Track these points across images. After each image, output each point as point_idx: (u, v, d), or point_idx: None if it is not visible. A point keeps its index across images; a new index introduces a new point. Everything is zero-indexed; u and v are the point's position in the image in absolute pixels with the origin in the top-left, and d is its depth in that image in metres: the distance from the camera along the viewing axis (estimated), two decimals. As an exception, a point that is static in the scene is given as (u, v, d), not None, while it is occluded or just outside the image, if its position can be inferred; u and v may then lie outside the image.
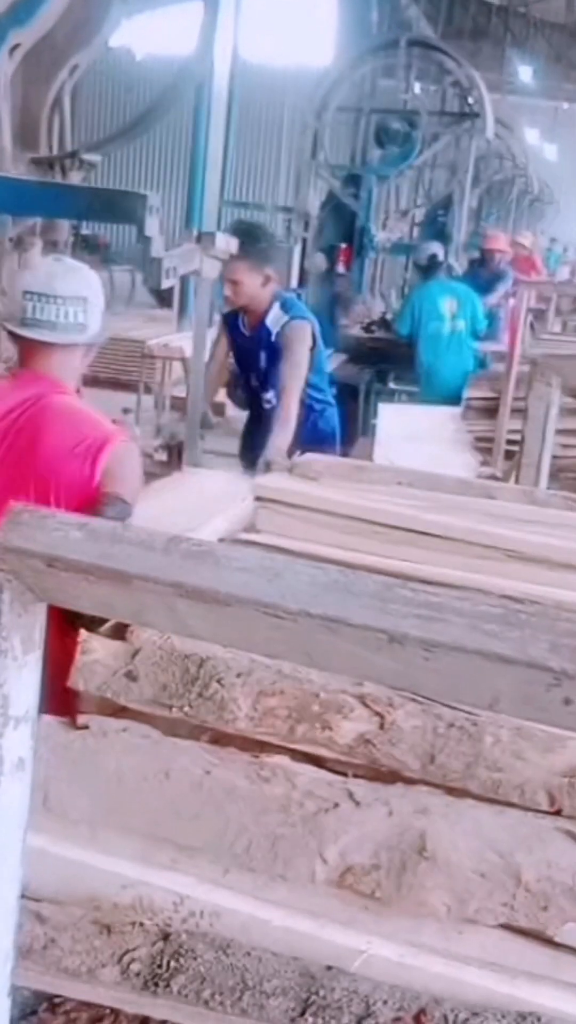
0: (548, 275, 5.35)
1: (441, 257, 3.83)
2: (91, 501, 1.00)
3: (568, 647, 0.36)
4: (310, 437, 1.92)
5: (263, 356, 1.98)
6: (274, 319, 1.95)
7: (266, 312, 1.95)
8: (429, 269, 3.80)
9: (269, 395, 1.98)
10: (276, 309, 1.96)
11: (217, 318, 2.08)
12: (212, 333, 1.94)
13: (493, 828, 0.61)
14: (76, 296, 1.06)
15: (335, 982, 0.53)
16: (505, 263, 4.62)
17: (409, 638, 0.37)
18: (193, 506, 1.22)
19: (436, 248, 3.90)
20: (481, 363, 3.41)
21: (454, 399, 3.03)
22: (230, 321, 2.05)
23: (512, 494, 1.22)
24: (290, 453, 1.64)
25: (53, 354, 1.07)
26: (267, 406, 1.99)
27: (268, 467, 1.57)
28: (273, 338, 1.94)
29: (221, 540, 1.02)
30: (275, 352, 1.94)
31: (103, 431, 1.06)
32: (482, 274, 4.51)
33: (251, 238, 1.91)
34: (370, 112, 4.70)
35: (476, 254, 5.04)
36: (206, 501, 1.24)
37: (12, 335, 1.09)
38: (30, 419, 1.05)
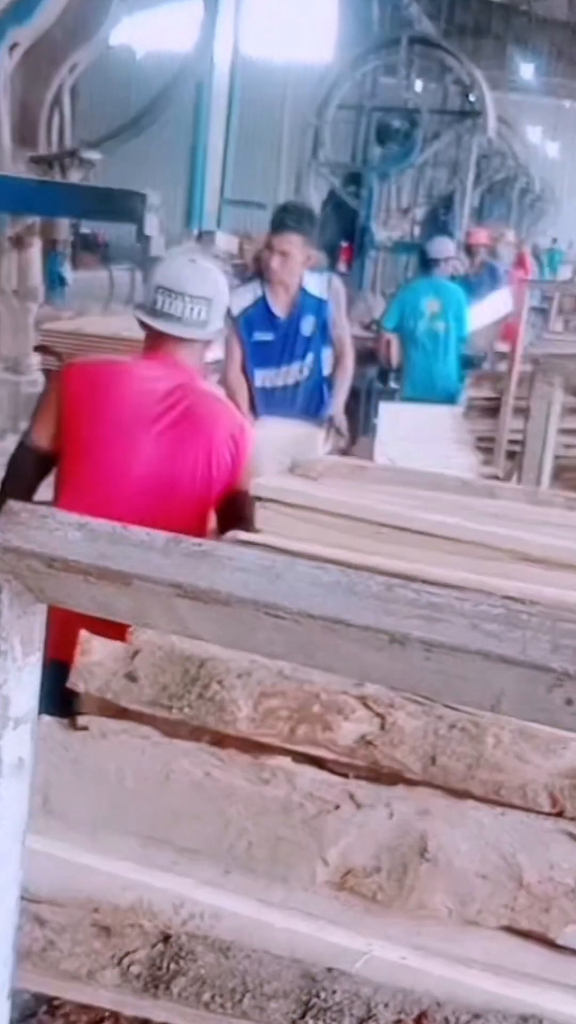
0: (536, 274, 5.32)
1: (432, 254, 3.58)
2: (232, 480, 1.16)
3: (570, 648, 0.35)
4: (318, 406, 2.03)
5: (309, 323, 2.00)
6: (313, 284, 2.02)
7: (300, 285, 2.01)
8: (421, 266, 3.73)
9: (305, 364, 2.02)
10: (310, 276, 2.04)
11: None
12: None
13: (495, 830, 0.61)
14: (202, 296, 1.17)
15: (336, 984, 0.53)
16: (486, 255, 4.60)
17: (410, 639, 0.36)
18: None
19: (433, 243, 3.70)
20: (469, 363, 3.33)
21: (431, 397, 3.04)
22: (249, 319, 2.00)
23: (514, 494, 1.21)
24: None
25: (178, 346, 1.18)
26: (288, 382, 2.06)
27: (332, 421, 1.81)
28: (326, 296, 2.01)
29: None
30: (325, 313, 2.01)
31: (240, 418, 1.23)
32: (468, 271, 4.50)
33: (303, 215, 2.04)
34: (371, 110, 4.70)
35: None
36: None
37: (141, 323, 1.20)
38: (186, 404, 1.16)
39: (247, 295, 2.01)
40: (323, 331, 2.02)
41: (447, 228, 4.85)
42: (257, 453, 1.21)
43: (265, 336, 2.02)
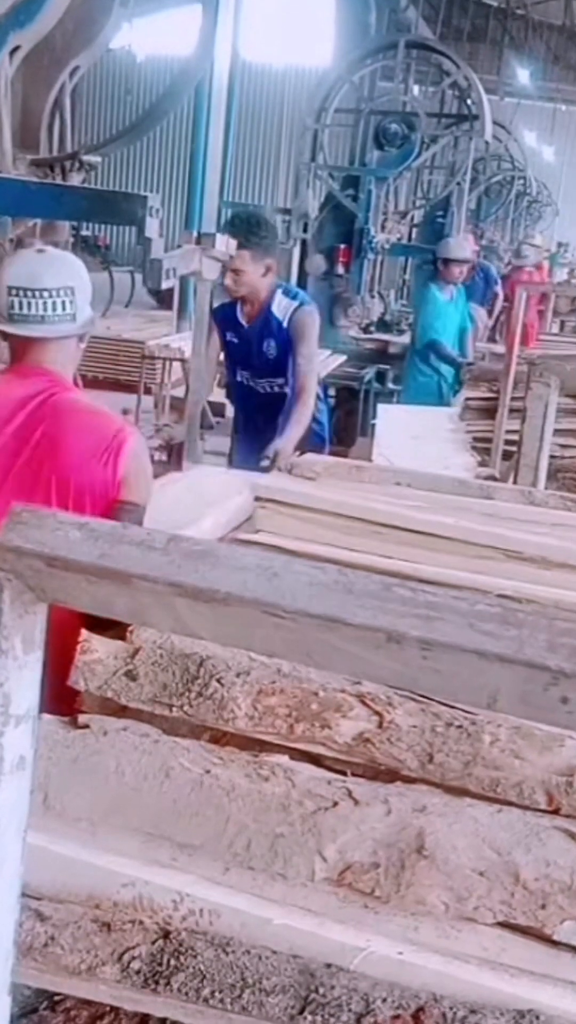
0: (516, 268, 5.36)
1: (439, 255, 3.79)
2: (111, 504, 1.00)
3: (566, 646, 0.36)
4: (307, 439, 1.93)
5: (269, 344, 1.95)
6: (280, 307, 1.94)
7: (268, 301, 1.94)
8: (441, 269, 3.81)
9: (278, 380, 1.96)
10: (280, 296, 1.95)
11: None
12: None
13: (491, 827, 0.61)
14: (63, 287, 1.02)
15: (334, 980, 0.54)
16: (478, 259, 4.68)
17: (408, 637, 0.37)
18: (192, 502, 1.22)
19: (453, 252, 3.76)
20: (458, 365, 3.34)
21: (428, 400, 3.15)
22: (222, 315, 2.01)
23: (510, 494, 1.22)
24: (295, 450, 1.65)
25: (47, 348, 1.04)
26: (272, 390, 1.98)
27: (275, 457, 1.61)
28: (285, 324, 1.93)
29: (221, 538, 1.03)
30: (285, 340, 1.93)
31: (116, 428, 1.04)
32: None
33: (251, 228, 1.90)
34: (369, 114, 4.72)
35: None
36: (206, 496, 1.25)
37: (2, 332, 1.06)
38: (43, 420, 1.02)
39: (227, 295, 2.00)
40: (289, 356, 1.91)
41: (444, 230, 4.89)
42: (142, 465, 1.03)
43: (234, 339, 2.00)
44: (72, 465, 1.00)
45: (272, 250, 1.99)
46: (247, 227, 1.90)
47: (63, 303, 1.02)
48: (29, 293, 1.02)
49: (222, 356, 2.06)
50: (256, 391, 2.02)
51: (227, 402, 2.45)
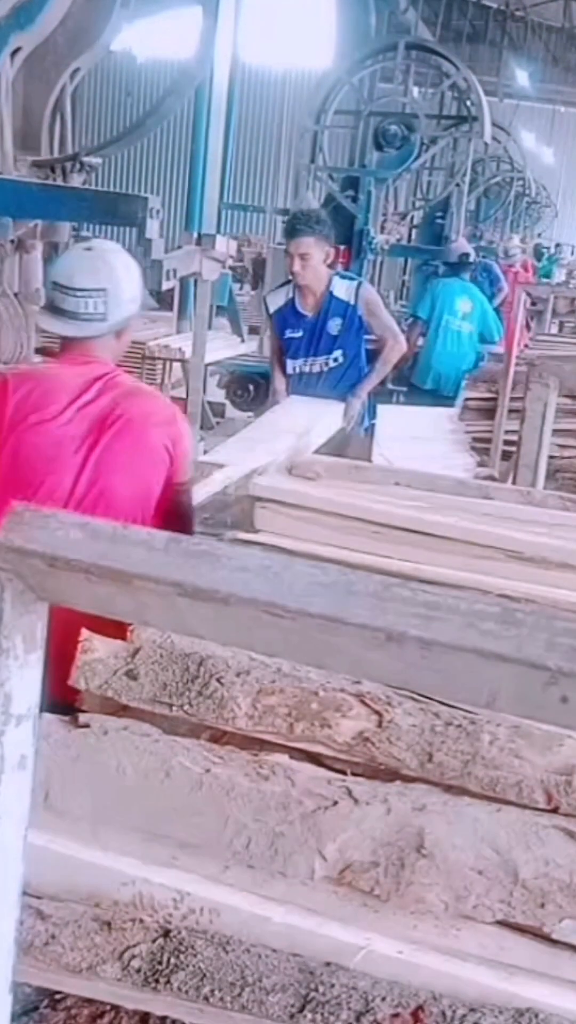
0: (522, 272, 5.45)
1: (472, 257, 3.98)
2: (171, 475, 1.08)
3: (564, 646, 0.36)
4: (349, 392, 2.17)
5: (335, 323, 2.16)
6: (342, 289, 2.17)
7: (328, 287, 2.16)
8: (457, 266, 3.94)
9: (335, 355, 2.19)
10: (338, 281, 2.19)
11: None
12: (210, 335, 2.15)
13: (490, 826, 0.61)
14: (95, 288, 1.08)
15: (334, 978, 0.54)
16: (479, 258, 4.75)
17: (407, 637, 0.37)
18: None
19: (467, 248, 4.03)
20: (479, 358, 3.58)
21: (442, 388, 3.36)
22: (281, 318, 2.23)
23: (509, 494, 1.22)
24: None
25: (85, 341, 1.10)
26: (329, 366, 2.20)
27: (355, 399, 2.00)
28: (353, 302, 2.16)
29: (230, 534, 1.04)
30: (352, 316, 2.16)
31: (173, 409, 1.14)
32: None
33: (313, 219, 2.18)
34: (368, 115, 4.72)
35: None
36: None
37: (39, 323, 1.16)
38: (119, 398, 1.08)
39: (280, 297, 2.23)
40: (351, 330, 2.16)
41: (444, 232, 4.90)
42: (193, 445, 1.13)
43: (295, 333, 2.21)
44: (147, 438, 1.07)
45: (331, 239, 2.24)
46: (308, 219, 2.17)
47: (94, 303, 1.08)
48: (66, 290, 1.08)
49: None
50: (313, 373, 2.21)
51: (227, 403, 2.51)
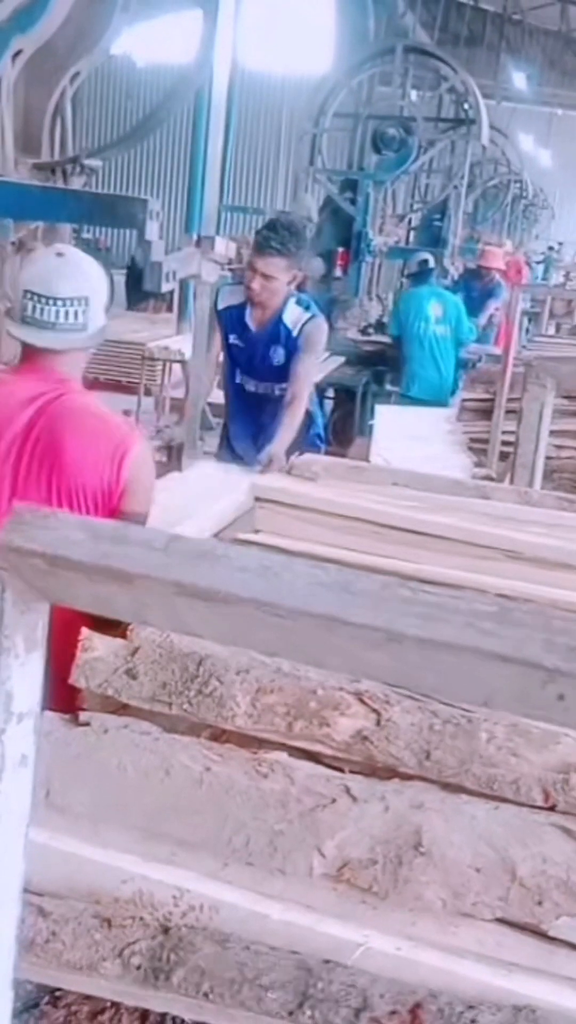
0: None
1: (432, 263, 4.01)
2: (112, 511, 0.99)
3: (562, 645, 0.36)
4: (304, 440, 1.94)
5: (277, 351, 1.94)
6: (293, 316, 1.92)
7: (280, 309, 1.91)
8: (419, 275, 3.95)
9: (281, 385, 1.95)
10: (292, 306, 1.92)
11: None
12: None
13: (488, 823, 0.62)
14: (78, 296, 1.01)
15: (332, 975, 0.54)
16: (499, 279, 4.76)
17: (406, 636, 0.37)
18: (191, 499, 1.22)
19: (425, 255, 4.06)
20: (463, 365, 3.56)
21: (433, 397, 3.35)
22: (229, 317, 1.97)
23: (506, 494, 1.23)
24: (288, 454, 1.65)
25: (54, 354, 1.03)
26: (273, 393, 1.96)
27: (269, 462, 1.58)
28: (295, 334, 1.91)
29: (217, 535, 1.03)
30: (293, 349, 1.92)
31: (122, 434, 1.03)
32: (475, 287, 4.71)
33: (290, 236, 1.86)
34: (367, 118, 4.74)
35: (471, 260, 5.11)
36: (204, 495, 1.25)
37: (11, 334, 1.06)
38: (47, 420, 1.01)
39: (235, 296, 1.96)
40: (288, 364, 1.91)
41: (442, 234, 4.92)
42: (146, 473, 1.00)
43: (238, 342, 1.98)
44: (73, 468, 0.99)
45: (302, 261, 1.97)
46: (286, 235, 1.85)
47: (75, 312, 1.01)
48: (43, 300, 1.01)
49: (221, 357, 2.05)
50: (256, 393, 2.01)
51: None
